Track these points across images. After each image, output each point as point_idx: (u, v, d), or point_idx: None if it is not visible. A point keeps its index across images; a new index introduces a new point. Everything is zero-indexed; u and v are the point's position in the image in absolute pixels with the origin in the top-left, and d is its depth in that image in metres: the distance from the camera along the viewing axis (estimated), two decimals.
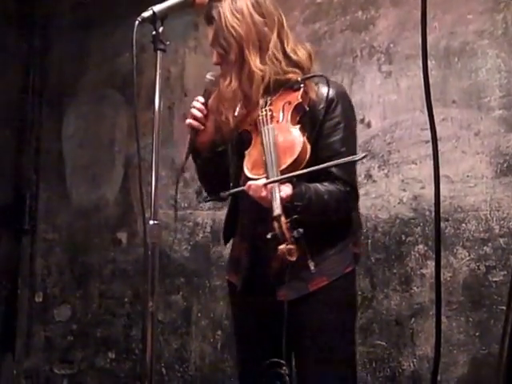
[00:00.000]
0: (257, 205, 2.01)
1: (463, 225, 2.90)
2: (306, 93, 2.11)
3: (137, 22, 1.86)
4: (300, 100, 2.09)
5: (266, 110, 2.11)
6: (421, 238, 3.01)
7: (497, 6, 2.89)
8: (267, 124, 2.07)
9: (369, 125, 3.15)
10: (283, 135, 2.03)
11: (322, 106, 2.10)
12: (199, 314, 3.79)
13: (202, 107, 2.23)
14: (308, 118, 2.10)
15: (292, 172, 1.95)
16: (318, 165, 1.98)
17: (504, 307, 2.09)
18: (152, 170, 1.89)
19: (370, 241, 3.11)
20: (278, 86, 2.14)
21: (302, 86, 2.11)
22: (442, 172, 1.60)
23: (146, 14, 1.89)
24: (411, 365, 3.00)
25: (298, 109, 2.10)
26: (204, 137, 2.25)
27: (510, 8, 2.85)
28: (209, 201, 2.64)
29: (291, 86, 2.13)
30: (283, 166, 1.96)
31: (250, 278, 2.20)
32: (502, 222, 2.81)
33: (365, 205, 3.01)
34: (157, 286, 1.85)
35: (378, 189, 3.12)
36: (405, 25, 3.11)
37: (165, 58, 1.93)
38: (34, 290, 4.59)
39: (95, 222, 4.33)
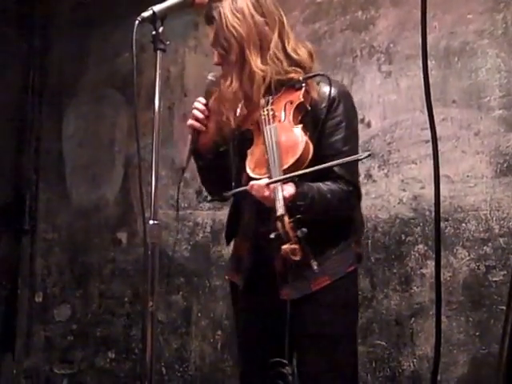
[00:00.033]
0: (259, 204, 2.01)
1: (463, 225, 2.90)
2: (307, 92, 2.10)
3: (137, 22, 1.86)
4: (302, 99, 2.09)
5: (267, 110, 2.10)
6: (421, 238, 3.01)
7: (497, 5, 2.89)
8: (269, 123, 2.07)
9: (369, 125, 3.15)
10: (285, 134, 2.03)
11: (323, 105, 2.09)
12: (199, 314, 3.79)
13: (204, 108, 2.23)
14: (310, 117, 2.09)
15: (294, 171, 1.95)
16: (320, 164, 1.97)
17: (504, 307, 2.09)
18: (152, 169, 1.89)
19: (369, 241, 3.11)
20: (279, 86, 2.14)
21: (303, 85, 2.10)
22: (441, 172, 1.60)
23: (145, 14, 1.89)
24: (411, 365, 3.00)
25: (299, 108, 2.09)
26: (205, 138, 2.25)
27: (509, 8, 2.85)
28: (211, 201, 2.65)
29: (293, 86, 2.12)
30: (286, 166, 1.95)
31: (252, 277, 2.20)
32: (501, 221, 2.81)
33: (365, 205, 3.00)
34: (156, 286, 1.85)
35: (377, 189, 3.12)
36: (405, 25, 3.11)
37: (165, 58, 1.93)
38: (33, 289, 4.59)
39: (95, 221, 4.33)
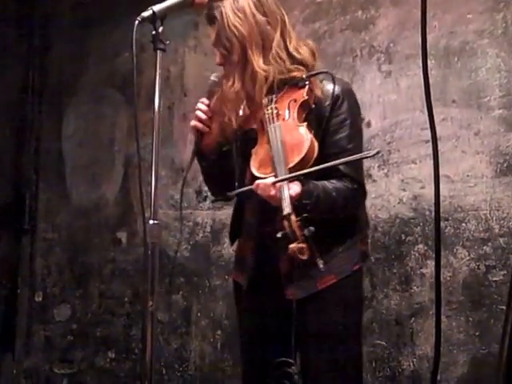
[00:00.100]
0: (263, 204, 2.01)
1: (463, 224, 2.90)
2: (311, 90, 2.09)
3: (136, 22, 1.86)
4: (306, 97, 2.08)
5: (271, 108, 2.09)
6: (421, 238, 3.01)
7: (497, 5, 2.89)
8: (273, 122, 2.05)
9: (369, 124, 3.15)
10: (290, 133, 2.02)
11: (327, 102, 2.09)
12: (199, 314, 3.79)
13: (207, 109, 2.22)
14: (314, 115, 2.09)
15: (300, 170, 1.94)
16: (325, 162, 1.96)
17: (504, 307, 2.09)
18: (152, 169, 1.89)
19: (369, 240, 3.09)
20: (282, 85, 2.13)
21: (306, 83, 2.10)
22: (441, 172, 1.60)
23: (145, 14, 1.89)
24: (411, 364, 3.00)
25: (303, 106, 2.08)
26: (208, 139, 2.23)
27: (509, 8, 2.85)
28: (215, 201, 2.64)
29: (296, 84, 2.11)
30: (291, 164, 1.94)
31: (256, 277, 2.19)
32: (501, 221, 2.81)
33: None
34: (156, 286, 1.85)
35: (377, 188, 3.12)
36: (405, 24, 3.11)
37: (164, 58, 1.93)
38: (33, 289, 4.59)
39: (95, 221, 4.33)
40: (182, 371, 3.84)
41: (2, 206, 4.56)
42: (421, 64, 1.55)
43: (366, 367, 3.07)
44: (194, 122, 2.23)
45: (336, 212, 2.08)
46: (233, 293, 2.38)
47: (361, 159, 2.11)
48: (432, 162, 1.52)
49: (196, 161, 2.29)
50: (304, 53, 2.15)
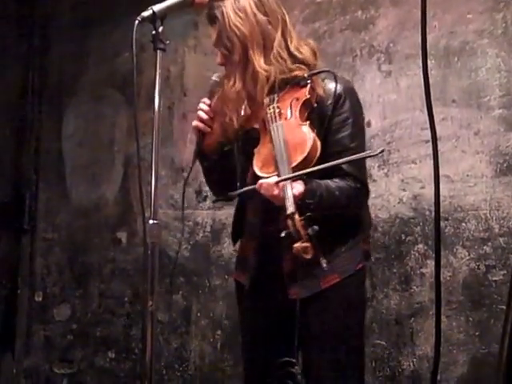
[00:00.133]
0: (265, 203, 2.01)
1: (463, 224, 2.90)
2: (313, 89, 2.09)
3: (136, 22, 1.86)
4: (308, 96, 2.07)
5: (273, 107, 2.08)
6: (420, 238, 3.01)
7: (496, 5, 2.88)
8: (275, 121, 2.05)
9: (368, 124, 3.15)
10: (293, 132, 2.01)
11: (329, 101, 2.08)
12: (199, 314, 3.79)
13: (208, 109, 2.21)
14: (316, 114, 2.08)
15: (303, 169, 1.93)
16: (327, 161, 1.96)
17: (504, 306, 2.09)
18: (152, 169, 1.89)
19: (369, 240, 3.11)
20: (283, 84, 2.12)
21: (308, 81, 2.09)
22: (441, 171, 1.60)
23: (145, 14, 1.89)
24: (411, 364, 3.00)
25: (306, 105, 2.08)
26: (210, 139, 2.23)
27: (509, 7, 2.85)
28: (217, 201, 2.64)
29: (298, 83, 2.11)
30: (294, 163, 1.94)
31: (259, 277, 2.19)
32: (501, 221, 2.81)
33: None
34: (156, 286, 1.85)
35: (377, 188, 3.11)
36: (404, 24, 3.11)
37: (164, 58, 1.93)
38: (33, 289, 4.59)
39: (95, 221, 4.33)
40: (181, 371, 3.84)
41: (1, 205, 4.56)
42: (421, 64, 1.55)
43: (366, 367, 3.06)
44: (195, 123, 2.23)
45: (339, 211, 2.08)
46: (235, 293, 2.37)
47: (364, 158, 2.11)
48: (432, 161, 1.52)
49: (197, 161, 2.29)
50: (305, 52, 2.15)
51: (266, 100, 2.11)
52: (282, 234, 1.84)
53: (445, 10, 2.98)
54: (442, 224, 2.91)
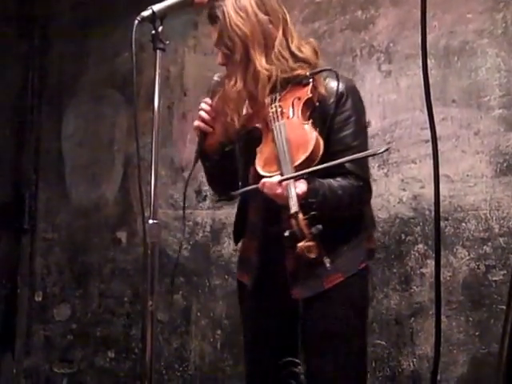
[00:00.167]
0: (267, 203, 2.00)
1: (463, 224, 2.90)
2: (315, 87, 2.08)
3: (136, 22, 1.86)
4: (310, 95, 2.07)
5: (275, 107, 2.07)
6: (420, 238, 3.01)
7: (496, 5, 2.88)
8: (278, 120, 2.04)
9: (368, 124, 3.14)
10: (295, 131, 2.00)
11: (332, 100, 2.07)
12: (199, 314, 3.79)
13: (210, 109, 2.20)
14: (318, 113, 2.08)
15: (306, 168, 1.92)
16: (330, 160, 1.95)
17: (504, 306, 2.09)
18: (151, 169, 1.89)
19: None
20: (285, 83, 2.11)
21: (310, 80, 2.08)
22: (441, 171, 1.60)
23: (145, 14, 1.89)
24: (411, 364, 3.00)
25: (307, 104, 2.07)
26: (212, 139, 2.22)
27: (509, 7, 2.85)
28: (219, 201, 2.63)
29: (300, 82, 2.10)
30: (297, 162, 1.93)
31: (261, 277, 2.18)
32: (501, 221, 2.81)
33: None
34: (156, 286, 1.85)
35: (377, 188, 3.10)
36: (404, 24, 3.11)
37: (164, 58, 1.92)
38: (33, 289, 4.59)
39: (95, 221, 4.33)
40: (181, 371, 3.84)
41: (1, 205, 4.57)
42: (421, 64, 1.55)
43: None
44: (197, 123, 2.22)
45: (342, 210, 2.07)
46: (237, 292, 2.36)
47: (368, 157, 2.10)
48: (432, 161, 1.52)
49: (199, 161, 2.29)
50: (306, 51, 2.14)
51: (268, 99, 2.10)
52: (286, 234, 1.83)
53: (445, 9, 2.98)
54: (442, 224, 2.91)
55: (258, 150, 2.07)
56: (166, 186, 3.90)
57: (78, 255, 4.40)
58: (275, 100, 2.10)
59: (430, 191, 2.67)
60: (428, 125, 1.52)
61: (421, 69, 1.54)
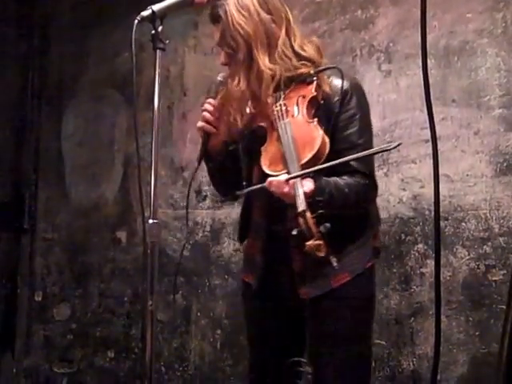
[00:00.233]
0: (272, 202, 2.00)
1: (463, 224, 2.90)
2: (319, 86, 2.07)
3: (136, 21, 1.86)
4: (314, 93, 2.06)
5: (280, 105, 2.07)
6: (420, 238, 3.00)
7: (496, 5, 2.88)
8: (283, 119, 2.04)
9: None
10: (301, 129, 2.00)
11: (336, 98, 2.07)
12: (199, 313, 3.79)
13: (214, 110, 2.19)
14: (322, 111, 2.07)
15: (312, 166, 1.91)
16: (335, 158, 1.94)
17: (504, 306, 2.09)
18: (151, 169, 1.89)
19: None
20: (289, 82, 2.11)
21: (314, 78, 2.08)
22: (441, 171, 1.61)
23: (145, 13, 1.89)
24: (411, 364, 2.99)
25: (312, 102, 2.07)
26: (215, 139, 2.21)
27: (509, 7, 2.85)
28: (224, 201, 2.62)
29: (304, 80, 2.10)
30: (304, 161, 1.92)
31: (266, 277, 2.18)
32: (501, 221, 2.81)
33: None
34: (156, 285, 1.85)
35: None
36: (404, 24, 3.11)
37: (164, 57, 1.92)
38: (33, 289, 4.59)
39: (95, 221, 4.33)
40: (181, 371, 3.84)
41: (1, 205, 4.57)
42: (420, 63, 1.55)
43: None
44: (200, 123, 2.20)
45: (348, 208, 2.06)
46: (241, 292, 2.35)
47: (379, 153, 2.09)
48: (432, 161, 1.52)
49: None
50: (309, 50, 2.13)
51: (272, 98, 2.10)
52: (294, 232, 1.82)
53: (445, 9, 2.98)
54: (442, 224, 2.91)
55: (262, 149, 2.06)
56: (166, 185, 3.90)
57: (77, 255, 4.40)
58: (279, 99, 2.09)
59: (429, 191, 2.67)
60: (428, 124, 1.52)
61: (421, 68, 1.54)
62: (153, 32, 1.90)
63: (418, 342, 2.98)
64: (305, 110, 2.05)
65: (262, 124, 2.12)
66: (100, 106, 4.38)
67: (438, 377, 2.73)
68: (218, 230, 3.73)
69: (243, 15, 2.07)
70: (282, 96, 2.10)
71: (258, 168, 2.07)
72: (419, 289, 2.99)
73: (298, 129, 2.00)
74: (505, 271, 2.77)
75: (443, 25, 2.99)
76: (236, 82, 2.11)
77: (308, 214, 1.80)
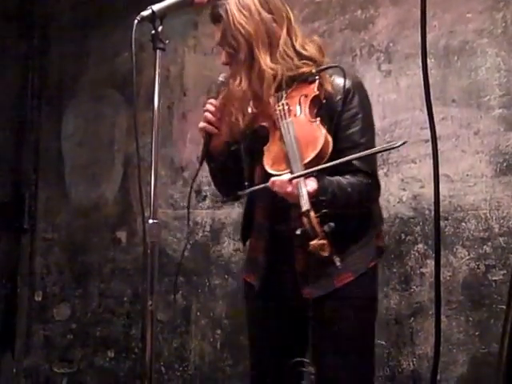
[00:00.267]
0: (275, 202, 2.00)
1: (463, 224, 2.90)
2: (321, 85, 2.07)
3: (136, 21, 1.86)
4: (317, 92, 2.06)
5: (282, 104, 2.06)
6: (420, 237, 3.00)
7: (496, 4, 2.88)
8: (285, 118, 2.03)
9: None
10: (303, 129, 1.99)
11: (338, 97, 2.06)
12: (198, 313, 3.79)
13: (215, 110, 2.19)
14: (325, 110, 2.06)
15: (315, 166, 1.91)
16: (338, 157, 1.94)
17: (504, 306, 2.09)
18: (151, 169, 1.89)
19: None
20: (290, 82, 2.11)
21: (316, 77, 2.08)
22: (441, 171, 1.60)
23: (145, 13, 1.89)
24: (411, 364, 2.99)
25: (314, 101, 2.06)
26: (217, 140, 2.21)
27: (509, 7, 2.85)
28: (225, 202, 2.61)
29: (306, 79, 2.09)
30: (307, 160, 1.92)
31: (269, 277, 2.18)
32: (501, 221, 2.81)
33: None
34: (156, 285, 1.85)
35: None
36: (404, 24, 3.11)
37: (164, 57, 1.92)
38: (33, 288, 4.59)
39: (95, 221, 4.33)
40: (181, 371, 3.84)
41: (1, 205, 4.57)
42: (420, 63, 1.55)
43: None
44: (202, 124, 2.20)
45: (351, 207, 2.06)
46: (243, 292, 2.35)
47: (386, 151, 2.09)
48: (432, 161, 1.52)
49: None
50: (311, 49, 2.13)
51: (273, 98, 2.09)
52: (298, 232, 1.81)
53: (444, 9, 2.98)
54: (442, 224, 2.91)
55: (265, 148, 2.06)
56: (166, 185, 3.90)
57: (77, 255, 4.40)
58: (281, 98, 2.09)
59: (429, 191, 2.67)
60: (428, 124, 1.52)
61: (421, 68, 1.54)
62: (153, 32, 1.90)
63: (418, 342, 2.98)
64: (307, 110, 2.04)
65: (264, 124, 2.12)
66: (100, 106, 4.38)
67: (438, 377, 2.73)
68: (218, 229, 3.73)
69: (244, 15, 2.06)
70: (284, 95, 2.09)
71: (260, 168, 2.06)
72: (419, 289, 2.99)
73: (301, 128, 2.00)
74: (505, 271, 2.77)
75: (443, 24, 2.99)
76: (237, 81, 2.10)
77: (312, 214, 1.79)
